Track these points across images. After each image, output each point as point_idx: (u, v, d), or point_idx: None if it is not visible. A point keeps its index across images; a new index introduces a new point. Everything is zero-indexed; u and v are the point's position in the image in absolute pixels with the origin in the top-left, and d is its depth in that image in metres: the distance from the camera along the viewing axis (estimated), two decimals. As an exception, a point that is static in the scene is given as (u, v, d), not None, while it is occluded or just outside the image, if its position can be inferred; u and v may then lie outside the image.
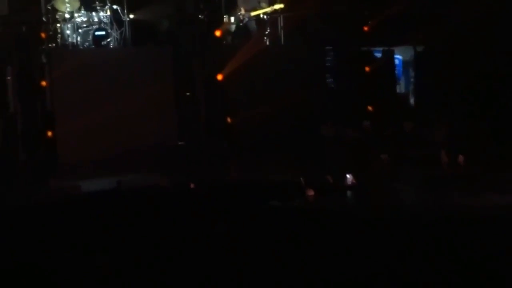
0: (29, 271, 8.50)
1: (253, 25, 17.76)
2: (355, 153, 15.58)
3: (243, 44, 17.29)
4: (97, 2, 16.52)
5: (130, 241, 9.64)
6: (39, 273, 8.45)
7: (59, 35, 16.11)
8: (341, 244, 9.04)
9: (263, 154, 15.49)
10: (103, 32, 16.32)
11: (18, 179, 14.11)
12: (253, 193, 11.45)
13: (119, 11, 16.57)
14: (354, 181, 11.58)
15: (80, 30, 16.23)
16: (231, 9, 17.53)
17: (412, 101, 18.93)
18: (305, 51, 17.97)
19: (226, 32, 17.31)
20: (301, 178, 11.42)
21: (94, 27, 16.30)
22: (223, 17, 17.11)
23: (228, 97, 16.57)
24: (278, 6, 17.58)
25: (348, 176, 11.64)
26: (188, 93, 16.57)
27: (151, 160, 14.91)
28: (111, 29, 16.43)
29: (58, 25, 16.14)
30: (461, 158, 13.21)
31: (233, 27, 17.65)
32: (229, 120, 16.47)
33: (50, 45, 15.72)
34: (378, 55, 18.65)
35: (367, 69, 18.12)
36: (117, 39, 16.53)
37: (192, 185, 12.50)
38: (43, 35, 15.29)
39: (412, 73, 19.12)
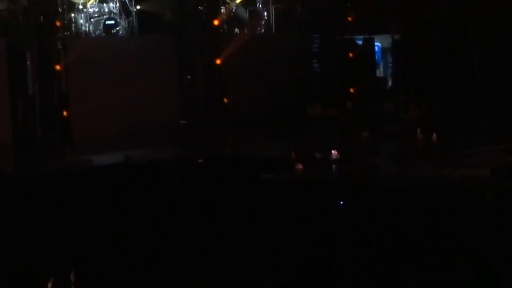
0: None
1: (242, 12, 17.64)
2: (338, 131, 15.57)
3: (237, 32, 17.24)
4: (107, -6, 16.45)
5: (136, 207, 9.64)
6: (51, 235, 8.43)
7: (73, 24, 16.00)
8: (328, 211, 9.05)
9: (256, 131, 15.47)
10: (113, 22, 16.22)
11: (37, 154, 14.06)
12: (247, 166, 11.41)
13: (127, 2, 16.47)
14: (338, 156, 11.54)
15: (92, 20, 16.13)
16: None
17: (390, 83, 18.92)
18: (293, 38, 17.91)
19: (222, 22, 17.23)
20: (292, 153, 11.37)
21: (105, 17, 16.20)
22: (221, 8, 17.01)
23: (225, 80, 16.50)
24: None
25: (333, 151, 11.60)
26: (189, 77, 16.49)
27: (156, 137, 14.86)
28: (120, 18, 16.33)
29: (72, 15, 16.04)
30: (434, 135, 13.17)
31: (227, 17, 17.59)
32: (225, 100, 16.41)
33: (65, 33, 15.60)
34: (360, 42, 18.60)
35: (349, 55, 18.07)
36: (125, 28, 16.43)
37: (192, 158, 12.45)
38: (59, 24, 15.16)
39: (390, 59, 19.10)
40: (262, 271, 7.42)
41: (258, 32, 17.80)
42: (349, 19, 18.23)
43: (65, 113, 14.59)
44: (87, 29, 16.04)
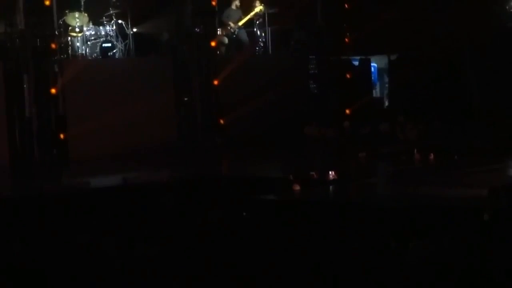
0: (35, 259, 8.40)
1: (243, 34, 17.76)
2: (336, 151, 15.53)
3: (235, 54, 17.27)
4: (104, 17, 16.45)
5: (132, 230, 9.56)
6: (44, 262, 8.34)
7: (70, 47, 16.02)
8: (325, 230, 8.98)
9: (253, 151, 15.42)
10: (110, 44, 16.24)
11: (34, 176, 14.00)
12: (245, 188, 11.35)
13: (124, 25, 16.51)
14: (335, 176, 11.49)
15: (88, 43, 16.13)
16: (223, 24, 17.53)
17: (386, 103, 18.92)
18: (290, 59, 17.94)
19: (219, 43, 17.27)
20: (290, 175, 11.33)
21: (101, 39, 16.22)
22: (217, 31, 17.05)
23: (222, 100, 16.48)
24: (258, 9, 17.59)
25: (330, 172, 11.54)
26: (186, 98, 16.47)
27: (153, 159, 14.82)
28: (117, 41, 16.35)
29: (69, 38, 16.05)
30: (431, 155, 13.14)
31: (225, 39, 17.63)
32: (222, 121, 16.39)
33: (62, 56, 15.59)
34: (356, 63, 18.63)
35: (346, 75, 18.09)
36: (122, 50, 16.45)
37: (189, 180, 12.39)
38: (55, 47, 15.18)
39: (386, 79, 19.12)
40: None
41: (256, 53, 17.83)
42: (346, 40, 18.27)
43: (62, 135, 14.56)
44: (83, 52, 16.05)
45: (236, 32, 17.67)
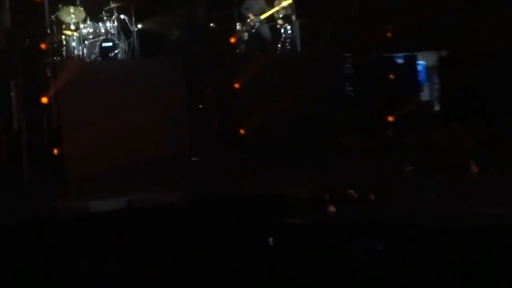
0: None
1: (265, 30, 17.68)
2: (377, 164, 15.42)
3: (257, 52, 17.22)
4: (103, 12, 16.49)
5: (139, 258, 9.55)
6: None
7: (64, 47, 16.08)
8: (363, 259, 8.93)
9: (279, 165, 15.36)
10: (110, 44, 16.27)
11: (23, 199, 14.03)
12: (269, 209, 11.33)
13: (127, 21, 16.51)
14: (373, 196, 11.47)
15: (86, 42, 16.18)
16: (243, 17, 17.48)
17: (437, 108, 18.79)
18: (322, 58, 17.87)
19: (239, 41, 17.23)
20: (323, 194, 11.29)
21: (101, 38, 16.27)
22: (236, 25, 17.01)
23: (242, 108, 16.45)
24: (286, 2, 17.54)
25: (370, 189, 11.53)
26: (201, 106, 16.46)
27: (163, 176, 14.81)
28: (119, 40, 16.38)
29: (63, 37, 16.11)
30: (491, 168, 13.05)
31: (246, 35, 17.58)
32: (242, 131, 16.36)
33: (55, 58, 15.67)
34: (400, 61, 18.54)
35: (388, 76, 18.02)
36: (125, 50, 16.46)
37: (206, 203, 12.38)
38: (47, 47, 15.25)
39: (436, 80, 19.00)
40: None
41: (281, 51, 17.78)
42: (388, 34, 18.21)
43: (56, 150, 14.62)
44: (80, 52, 16.09)
45: (256, 27, 17.60)
